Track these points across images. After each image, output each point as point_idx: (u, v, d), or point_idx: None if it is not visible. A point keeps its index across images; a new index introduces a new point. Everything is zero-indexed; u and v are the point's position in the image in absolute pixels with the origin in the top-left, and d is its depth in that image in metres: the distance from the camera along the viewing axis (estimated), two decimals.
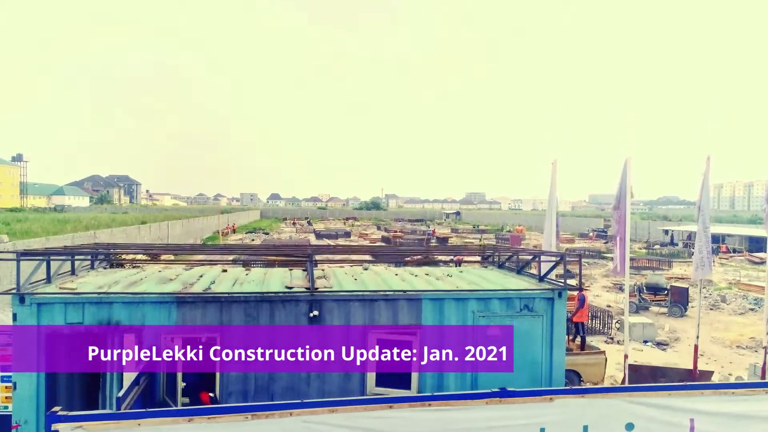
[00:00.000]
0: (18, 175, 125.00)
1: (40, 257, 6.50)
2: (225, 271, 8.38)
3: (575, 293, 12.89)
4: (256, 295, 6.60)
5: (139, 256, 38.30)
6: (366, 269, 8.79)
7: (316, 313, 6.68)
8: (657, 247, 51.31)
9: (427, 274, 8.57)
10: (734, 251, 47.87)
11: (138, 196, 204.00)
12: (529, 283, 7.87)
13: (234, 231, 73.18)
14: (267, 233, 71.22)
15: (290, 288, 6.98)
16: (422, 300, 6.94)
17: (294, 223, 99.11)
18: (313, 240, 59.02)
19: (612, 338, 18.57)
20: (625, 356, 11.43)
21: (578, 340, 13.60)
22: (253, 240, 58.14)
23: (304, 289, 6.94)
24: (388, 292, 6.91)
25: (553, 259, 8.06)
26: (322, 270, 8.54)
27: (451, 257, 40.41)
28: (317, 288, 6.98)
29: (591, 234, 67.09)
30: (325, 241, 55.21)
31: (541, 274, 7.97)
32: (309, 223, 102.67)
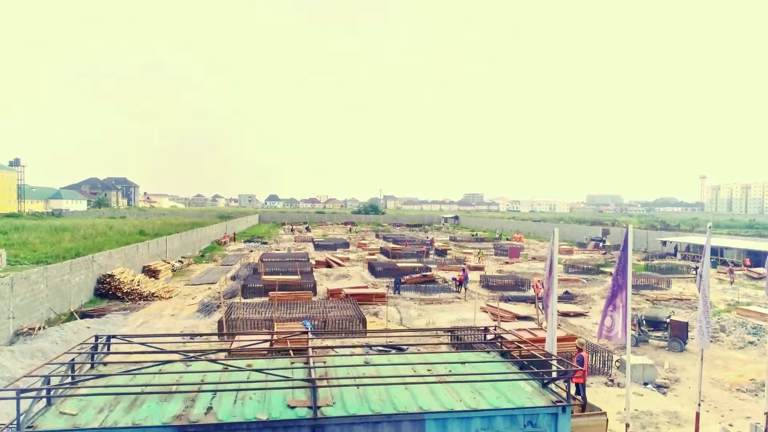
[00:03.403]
0: (15, 180, 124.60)
1: (39, 391, 6.44)
2: (226, 369, 8.32)
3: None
4: (258, 423, 6.56)
5: (139, 276, 37.70)
6: (367, 363, 8.74)
7: None
8: (656, 261, 51.25)
9: (429, 370, 8.53)
10: (733, 264, 47.87)
11: (136, 199, 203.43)
12: (533, 388, 7.84)
13: (234, 239, 73.09)
14: (265, 242, 71.15)
15: (293, 408, 6.92)
16: (425, 420, 6.90)
17: (292, 230, 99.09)
18: (311, 251, 58.91)
19: (612, 380, 18.48)
20: (627, 426, 11.41)
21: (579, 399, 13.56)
22: (251, 251, 58.04)
23: (307, 409, 6.89)
24: (391, 414, 6.87)
25: (558, 367, 8.02)
26: (324, 362, 8.49)
27: (454, 276, 39.62)
28: (320, 407, 6.93)
29: (589, 244, 66.67)
30: (324, 253, 55.07)
31: (545, 379, 7.94)
32: (307, 229, 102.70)
